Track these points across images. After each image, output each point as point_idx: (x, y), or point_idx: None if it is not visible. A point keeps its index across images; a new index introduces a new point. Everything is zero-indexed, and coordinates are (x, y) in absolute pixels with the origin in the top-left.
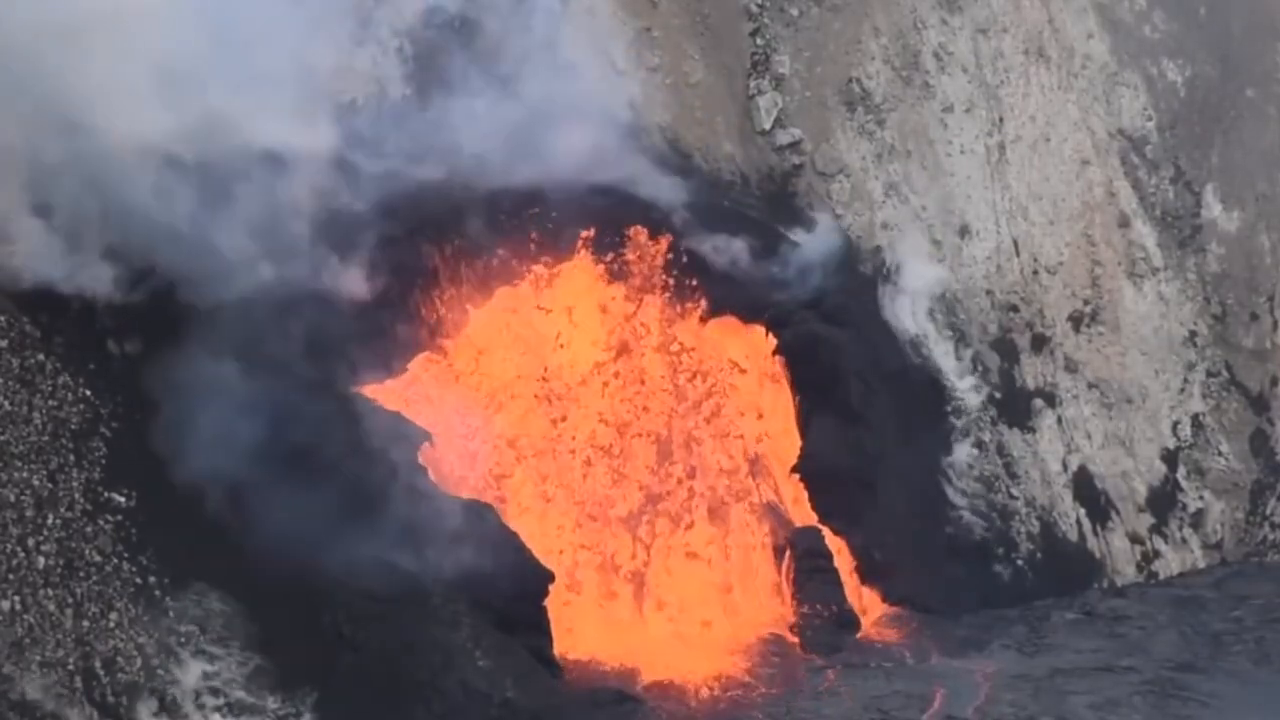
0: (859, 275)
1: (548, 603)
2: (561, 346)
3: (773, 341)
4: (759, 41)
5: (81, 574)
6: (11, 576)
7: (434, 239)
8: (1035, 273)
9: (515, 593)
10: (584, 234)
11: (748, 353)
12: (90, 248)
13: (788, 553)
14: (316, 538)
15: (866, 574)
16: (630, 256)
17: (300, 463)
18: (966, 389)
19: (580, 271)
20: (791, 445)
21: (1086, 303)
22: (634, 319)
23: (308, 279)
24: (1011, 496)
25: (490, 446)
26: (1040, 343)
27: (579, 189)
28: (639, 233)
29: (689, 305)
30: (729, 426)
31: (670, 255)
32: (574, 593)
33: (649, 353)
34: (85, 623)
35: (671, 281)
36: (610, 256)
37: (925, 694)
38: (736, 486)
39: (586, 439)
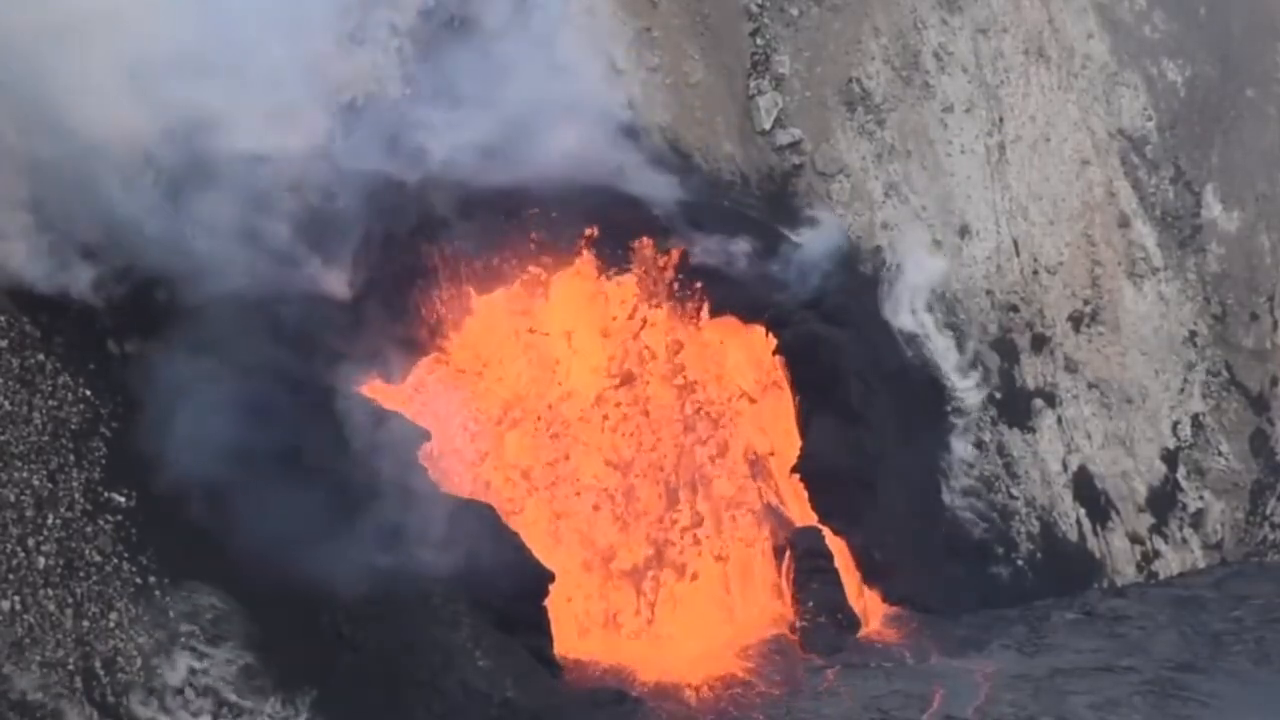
0: (859, 275)
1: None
2: (559, 384)
3: (773, 341)
4: (759, 41)
5: (81, 574)
6: (11, 576)
7: (432, 239)
8: (1035, 273)
9: (515, 593)
10: (584, 236)
11: (755, 375)
12: (78, 246)
13: (788, 553)
14: (315, 537)
15: (866, 574)
16: (634, 266)
17: (298, 462)
18: (966, 389)
19: (581, 278)
20: (791, 445)
21: (1086, 303)
22: (638, 339)
23: (309, 279)
24: (1011, 496)
25: (503, 477)
26: (1040, 343)
27: (577, 190)
28: (644, 245)
29: (690, 312)
30: (736, 465)
31: (675, 263)
32: (583, 638)
33: (654, 381)
34: (85, 623)
35: (675, 289)
36: (613, 270)
37: (925, 694)
38: (740, 500)
39: (591, 480)
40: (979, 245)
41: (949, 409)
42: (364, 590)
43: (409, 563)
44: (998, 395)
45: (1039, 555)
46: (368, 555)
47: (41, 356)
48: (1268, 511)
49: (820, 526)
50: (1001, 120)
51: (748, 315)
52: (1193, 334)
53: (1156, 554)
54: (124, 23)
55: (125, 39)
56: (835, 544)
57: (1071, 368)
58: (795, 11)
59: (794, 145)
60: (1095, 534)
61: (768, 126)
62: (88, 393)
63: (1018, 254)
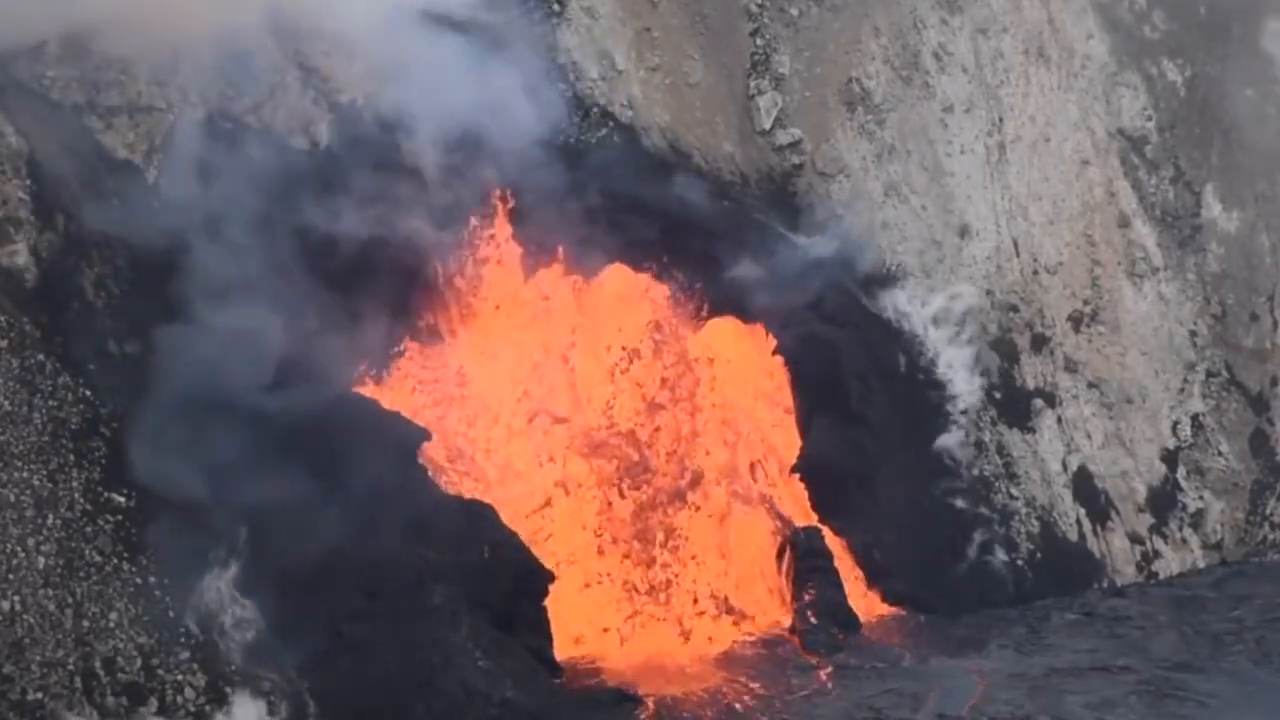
0: (859, 275)
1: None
2: (558, 382)
3: (773, 341)
4: (759, 41)
5: (81, 574)
6: (11, 576)
7: (429, 241)
8: (1035, 273)
9: (515, 593)
10: (583, 235)
11: (755, 375)
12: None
13: (788, 553)
14: (316, 537)
15: (866, 574)
16: (633, 266)
17: (298, 460)
18: (966, 389)
19: (580, 278)
20: (791, 445)
21: (1086, 303)
22: (639, 339)
23: (306, 276)
24: (1011, 496)
25: (500, 476)
26: (1040, 343)
27: (575, 191)
28: (645, 245)
29: (691, 312)
30: (736, 465)
31: (676, 264)
32: (580, 638)
33: (655, 380)
34: (85, 623)
35: (676, 289)
36: (613, 270)
37: (920, 693)
38: (739, 500)
39: (591, 480)
40: (979, 245)
41: (949, 409)
42: (364, 589)
43: (409, 561)
44: (998, 395)
45: (1039, 555)
46: (369, 555)
47: (41, 356)
48: (1268, 511)
49: (820, 526)
50: (1001, 120)
51: (748, 315)
52: (1193, 334)
53: (1156, 554)
54: None
55: None
56: (835, 544)
57: (1071, 368)
58: (795, 11)
59: (794, 145)
60: (1095, 534)
61: (768, 126)
62: (88, 393)
63: (1018, 254)
